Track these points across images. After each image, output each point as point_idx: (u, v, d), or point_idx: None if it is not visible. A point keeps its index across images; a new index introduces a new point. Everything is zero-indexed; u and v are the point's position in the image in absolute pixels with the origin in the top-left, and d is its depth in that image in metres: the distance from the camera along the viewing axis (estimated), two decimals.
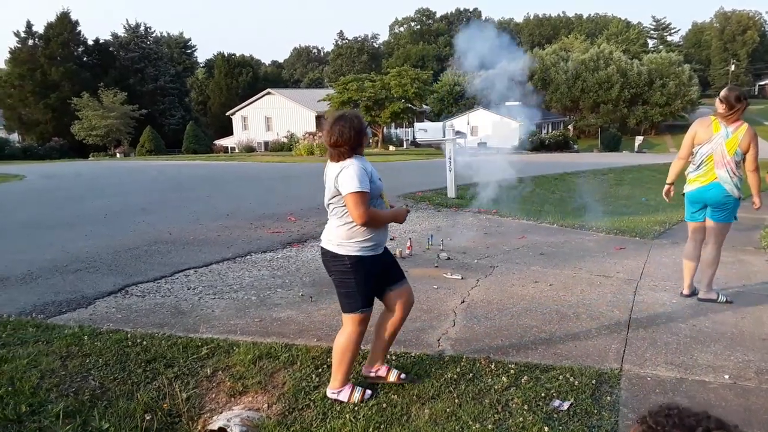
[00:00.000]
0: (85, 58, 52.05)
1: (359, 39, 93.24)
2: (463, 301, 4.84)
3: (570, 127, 56.37)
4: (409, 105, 38.64)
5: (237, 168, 22.30)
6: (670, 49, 70.47)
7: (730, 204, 4.61)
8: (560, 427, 2.90)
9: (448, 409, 3.09)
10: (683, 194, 4.87)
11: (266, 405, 3.33)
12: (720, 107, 4.52)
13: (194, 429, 3.24)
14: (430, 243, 6.87)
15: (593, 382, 3.35)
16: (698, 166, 4.64)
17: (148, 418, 3.19)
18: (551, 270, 5.92)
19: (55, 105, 46.24)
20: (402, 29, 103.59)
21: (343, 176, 2.90)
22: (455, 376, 3.44)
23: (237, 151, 44.96)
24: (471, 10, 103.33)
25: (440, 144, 11.83)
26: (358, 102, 36.94)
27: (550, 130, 55.53)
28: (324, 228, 3.18)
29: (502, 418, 3.00)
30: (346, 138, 2.91)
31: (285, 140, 41.15)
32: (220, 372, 3.61)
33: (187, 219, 8.75)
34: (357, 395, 3.22)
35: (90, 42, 52.99)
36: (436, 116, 59.69)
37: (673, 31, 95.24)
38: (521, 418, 2.98)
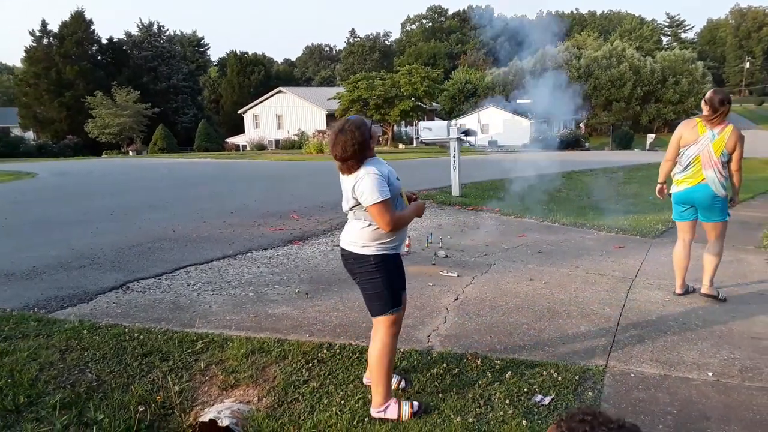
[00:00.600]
0: (99, 57, 52.57)
1: (371, 37, 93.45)
2: (457, 299, 4.90)
3: (582, 125, 56.07)
4: (419, 103, 38.65)
5: (246, 166, 22.48)
6: (683, 47, 69.83)
7: (718, 203, 4.67)
8: (539, 421, 2.96)
9: (431, 403, 3.16)
10: (670, 194, 4.94)
11: (257, 398, 3.43)
12: (705, 109, 4.60)
13: (186, 421, 3.33)
14: (429, 241, 6.93)
15: (577, 378, 3.41)
16: (685, 168, 4.70)
17: (141, 409, 3.29)
18: (548, 268, 5.96)
19: (69, 103, 46.78)
20: (414, 27, 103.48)
21: (361, 188, 2.84)
22: (441, 371, 3.51)
23: (248, 149, 45.27)
24: (483, 7, 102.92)
25: (445, 143, 11.87)
26: (367, 100, 37.02)
27: (561, 127, 55.27)
28: (344, 229, 3.12)
29: (484, 412, 3.07)
30: (351, 152, 2.84)
31: (295, 138, 41.36)
32: (214, 366, 3.71)
33: (192, 216, 8.88)
34: (406, 410, 3.05)
35: (104, 41, 53.56)
36: (447, 114, 59.68)
37: (687, 28, 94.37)
38: (502, 412, 3.05)
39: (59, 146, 44.08)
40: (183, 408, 3.38)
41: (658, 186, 5.03)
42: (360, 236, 2.98)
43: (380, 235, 2.95)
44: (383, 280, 2.98)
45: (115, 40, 54.53)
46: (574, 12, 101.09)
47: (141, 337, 4.00)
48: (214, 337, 4.02)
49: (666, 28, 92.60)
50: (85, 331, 4.06)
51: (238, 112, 52.94)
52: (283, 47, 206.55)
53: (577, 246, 7.13)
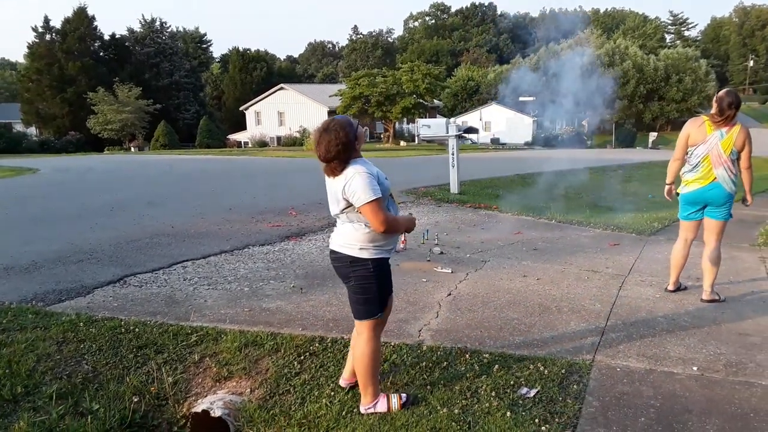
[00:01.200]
0: (101, 53, 52.66)
1: (374, 34, 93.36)
2: (450, 294, 4.96)
3: (584, 122, 56.02)
4: (421, 100, 38.68)
5: (246, 162, 22.56)
6: (687, 45, 69.72)
7: (730, 201, 4.69)
8: (523, 413, 3.02)
9: (419, 395, 3.22)
10: (677, 194, 4.93)
11: (249, 390, 3.50)
12: (714, 106, 4.57)
13: (179, 411, 3.41)
14: (425, 238, 6.99)
15: (563, 371, 3.47)
16: (694, 167, 4.68)
17: (136, 400, 3.37)
18: (541, 265, 6.01)
19: (71, 99, 46.91)
20: (416, 24, 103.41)
21: (353, 188, 2.77)
22: (430, 364, 3.58)
23: (250, 145, 45.37)
24: (486, 4, 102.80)
25: (444, 140, 11.91)
26: (369, 97, 37.07)
27: (563, 125, 55.21)
28: (335, 232, 3.06)
29: (470, 404, 3.13)
30: (334, 153, 2.77)
31: (297, 135, 41.43)
32: (207, 358, 3.78)
33: (190, 212, 8.95)
34: (395, 402, 3.10)
35: (106, 37, 53.65)
36: (449, 111, 59.67)
37: (690, 26, 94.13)
38: (488, 404, 3.11)
39: (61, 142, 44.23)
40: (177, 399, 3.45)
41: (667, 187, 5.00)
42: (356, 239, 2.91)
43: (376, 237, 2.91)
44: (377, 285, 2.96)
45: (117, 36, 54.64)
46: (578, 9, 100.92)
47: (137, 329, 4.07)
48: (208, 330, 4.08)
49: (669, 26, 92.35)
50: (81, 324, 4.13)
51: (240, 108, 53.02)
52: (285, 44, 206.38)
53: (572, 243, 7.18)
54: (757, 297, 5.03)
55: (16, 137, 43.75)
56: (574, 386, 3.31)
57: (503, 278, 5.49)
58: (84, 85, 46.35)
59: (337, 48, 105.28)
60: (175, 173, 17.82)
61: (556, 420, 2.97)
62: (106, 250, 6.39)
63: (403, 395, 3.17)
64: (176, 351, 3.83)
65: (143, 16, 71.30)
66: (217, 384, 3.59)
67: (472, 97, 62.51)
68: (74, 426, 3.10)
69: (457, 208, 9.73)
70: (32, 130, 49.93)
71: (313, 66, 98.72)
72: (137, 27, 57.79)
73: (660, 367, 3.56)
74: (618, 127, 53.57)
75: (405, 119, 43.33)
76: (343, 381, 3.36)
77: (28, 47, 49.61)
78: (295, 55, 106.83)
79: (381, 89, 36.69)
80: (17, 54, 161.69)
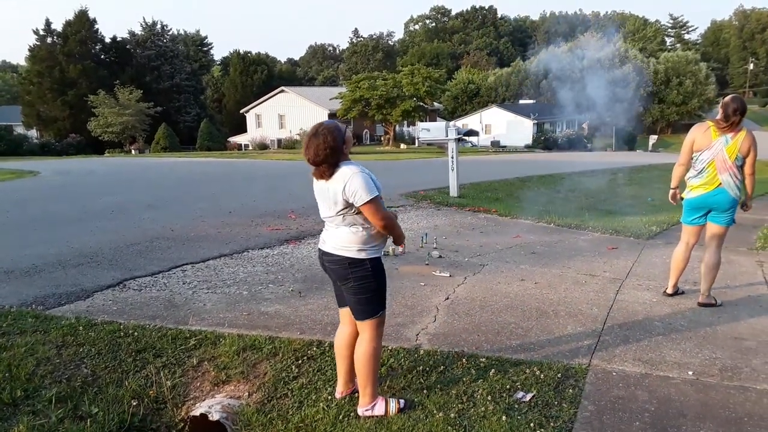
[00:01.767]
0: (102, 56, 52.68)
1: (374, 37, 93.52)
2: (447, 298, 4.98)
3: (584, 125, 56.08)
4: (421, 103, 38.74)
5: (246, 165, 22.59)
6: (687, 48, 69.83)
7: (734, 207, 4.70)
8: (519, 417, 3.04)
9: (415, 399, 3.25)
10: (681, 198, 4.95)
11: (247, 393, 3.52)
12: (720, 113, 4.58)
13: (178, 415, 3.43)
14: (423, 241, 7.01)
15: (559, 375, 3.49)
16: (700, 172, 4.69)
17: (135, 404, 3.39)
18: (539, 269, 6.04)
19: (72, 102, 46.92)
20: (417, 27, 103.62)
21: (353, 188, 2.80)
22: (427, 368, 3.60)
23: (251, 148, 45.39)
24: (486, 7, 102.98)
25: (444, 143, 11.94)
26: (369, 100, 37.13)
27: (564, 128, 55.25)
28: (328, 234, 3.06)
29: (466, 408, 3.15)
30: (323, 156, 2.81)
31: (297, 138, 41.47)
32: (206, 362, 3.80)
33: (190, 216, 8.98)
34: (393, 407, 3.12)
35: (107, 40, 53.64)
36: (449, 114, 59.74)
37: (690, 29, 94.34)
38: (483, 408, 3.13)
39: (62, 145, 44.23)
40: (175, 403, 3.48)
41: (671, 191, 5.01)
42: (353, 241, 2.94)
43: (373, 237, 2.97)
44: (377, 283, 3.02)
45: (118, 39, 54.66)
46: (578, 12, 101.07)
47: (136, 333, 4.09)
48: (207, 334, 4.11)
49: (670, 29, 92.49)
50: (81, 328, 4.15)
51: (241, 111, 53.09)
52: (286, 47, 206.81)
53: (570, 247, 7.21)
54: (753, 301, 5.05)
55: (17, 140, 43.72)
56: (570, 390, 3.33)
57: (501, 282, 5.51)
58: (85, 88, 46.38)
59: (337, 51, 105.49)
60: (176, 176, 17.86)
61: (552, 424, 2.99)
62: (106, 254, 6.42)
63: (402, 401, 3.19)
64: (175, 355, 3.85)
65: (144, 19, 71.64)
66: (216, 388, 3.61)
67: (473, 99, 62.60)
68: (73, 429, 3.12)
69: (456, 212, 9.76)
70: (33, 133, 49.92)
71: (313, 69, 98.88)
72: (138, 30, 57.81)
73: (656, 372, 3.58)
74: (618, 130, 53.63)
75: (405, 122, 43.38)
76: (339, 394, 3.34)
77: (29, 50, 49.67)
78: (296, 58, 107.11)
79: (381, 92, 36.74)
80: (18, 56, 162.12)
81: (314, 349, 3.87)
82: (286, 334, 4.14)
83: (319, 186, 2.97)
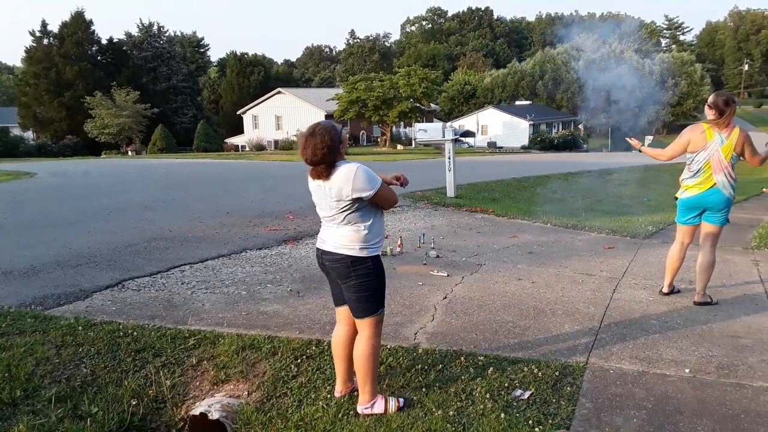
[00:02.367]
0: (98, 57, 52.67)
1: (371, 38, 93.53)
2: (445, 297, 5.00)
3: (581, 126, 56.25)
4: (418, 104, 38.79)
5: (244, 166, 22.60)
6: (682, 49, 70.10)
7: (728, 206, 4.75)
8: (517, 414, 3.07)
9: (414, 397, 3.27)
10: (676, 198, 4.99)
11: (246, 393, 3.53)
12: (709, 114, 4.61)
13: (177, 414, 3.44)
14: (421, 241, 7.03)
15: (557, 374, 3.51)
16: (695, 173, 4.73)
17: (134, 403, 3.40)
18: (536, 268, 6.06)
19: (69, 103, 46.88)
20: (413, 28, 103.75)
21: (362, 182, 2.86)
22: (426, 367, 3.62)
23: (247, 149, 45.40)
24: (483, 9, 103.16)
25: (440, 144, 11.98)
26: (366, 101, 37.16)
27: (560, 129, 55.36)
28: (327, 233, 3.08)
29: (464, 406, 3.17)
30: (320, 156, 2.85)
31: (294, 139, 41.48)
32: (205, 362, 3.81)
33: (188, 216, 8.98)
34: (392, 405, 3.14)
35: (104, 41, 53.66)
36: (446, 115, 59.82)
37: (686, 30, 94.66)
38: (482, 406, 3.15)
39: (58, 146, 44.18)
40: (175, 402, 3.49)
41: (638, 147, 5.23)
42: (356, 239, 2.98)
43: (374, 234, 3.02)
44: (377, 281, 3.05)
45: (115, 40, 54.64)
46: (574, 14, 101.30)
47: (135, 333, 4.10)
48: (206, 333, 4.12)
49: (665, 30, 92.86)
50: (80, 328, 4.16)
51: (238, 112, 53.10)
52: (283, 48, 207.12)
53: (567, 247, 7.24)
54: (749, 300, 5.09)
55: (14, 141, 43.62)
56: (568, 388, 3.35)
57: (498, 281, 5.54)
58: (81, 89, 46.34)
59: (334, 52, 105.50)
60: (173, 177, 17.85)
61: (550, 421, 3.01)
62: (104, 255, 6.42)
63: (401, 399, 3.21)
64: (174, 354, 3.86)
65: (141, 20, 71.30)
66: (215, 387, 3.62)
67: (469, 101, 62.73)
68: (73, 429, 3.13)
69: (454, 212, 9.78)
70: (29, 134, 49.86)
71: (310, 70, 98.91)
72: (135, 31, 57.90)
73: (652, 369, 3.61)
74: (614, 130, 53.80)
75: (402, 123, 43.45)
76: (338, 393, 3.36)
77: (25, 51, 49.66)
78: (293, 59, 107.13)
79: (378, 93, 36.80)
80: (15, 58, 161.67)
81: (313, 348, 3.89)
82: (284, 333, 4.16)
83: (317, 186, 2.99)
